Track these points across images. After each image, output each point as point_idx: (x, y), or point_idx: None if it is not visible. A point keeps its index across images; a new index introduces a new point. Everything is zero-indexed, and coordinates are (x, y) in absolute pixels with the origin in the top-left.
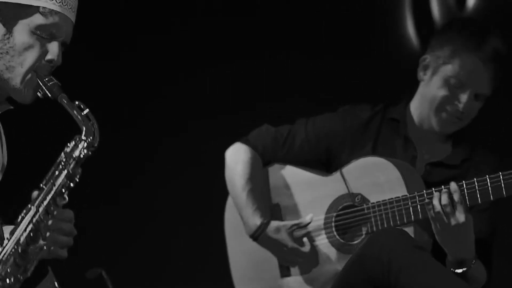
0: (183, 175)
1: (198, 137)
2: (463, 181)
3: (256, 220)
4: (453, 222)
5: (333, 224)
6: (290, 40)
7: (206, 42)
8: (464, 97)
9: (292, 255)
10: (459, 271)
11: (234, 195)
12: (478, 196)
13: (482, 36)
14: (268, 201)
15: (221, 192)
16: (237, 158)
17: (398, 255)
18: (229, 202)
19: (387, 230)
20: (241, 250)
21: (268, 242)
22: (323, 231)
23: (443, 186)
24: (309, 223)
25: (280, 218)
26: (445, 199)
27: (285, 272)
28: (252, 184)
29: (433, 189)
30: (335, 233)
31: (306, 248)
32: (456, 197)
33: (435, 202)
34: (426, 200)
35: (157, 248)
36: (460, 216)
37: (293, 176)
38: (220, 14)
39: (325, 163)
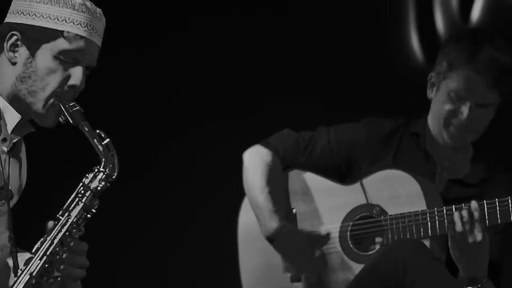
0: (189, 178)
1: (205, 140)
2: (484, 201)
3: (274, 222)
4: (470, 240)
5: (348, 233)
6: (299, 50)
7: (220, 47)
8: (465, 110)
9: (304, 261)
10: None
11: (252, 197)
12: (498, 216)
13: (474, 47)
14: (286, 205)
15: (228, 194)
16: (257, 160)
17: (413, 265)
18: (244, 204)
19: (404, 240)
20: (252, 253)
21: (284, 245)
22: (338, 240)
23: (463, 204)
24: (326, 235)
25: (296, 224)
26: (465, 216)
27: (295, 277)
28: (271, 187)
29: (453, 206)
30: (349, 242)
31: (318, 256)
32: (476, 215)
33: (456, 218)
34: (446, 217)
35: (160, 251)
36: (478, 235)
37: (312, 182)
38: (230, 20)
39: (343, 172)
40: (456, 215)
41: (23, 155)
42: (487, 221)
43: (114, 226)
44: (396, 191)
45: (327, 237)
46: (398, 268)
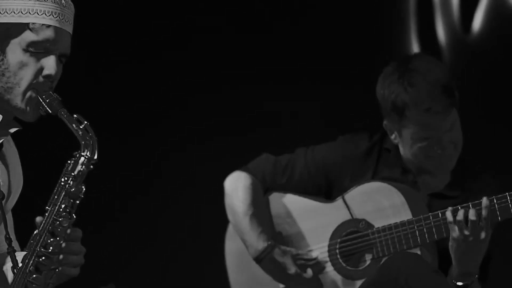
0: (190, 191)
1: (205, 155)
2: (493, 196)
3: (261, 243)
4: (471, 237)
5: (337, 251)
6: (300, 65)
7: (220, 64)
8: (436, 144)
9: (294, 281)
10: (460, 284)
11: (236, 221)
12: None
13: (407, 86)
14: (271, 228)
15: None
16: (236, 184)
17: (415, 280)
18: (229, 233)
19: (404, 254)
20: (244, 279)
21: (272, 265)
22: (328, 259)
23: (456, 207)
24: (314, 259)
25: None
26: (472, 214)
27: None
28: (254, 209)
29: (439, 211)
30: (340, 260)
31: (308, 275)
32: (484, 213)
33: (460, 216)
34: (433, 224)
35: (161, 262)
36: (482, 233)
37: (293, 204)
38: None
39: (325, 191)
40: (460, 213)
41: (13, 154)
42: (499, 217)
43: (112, 239)
44: (380, 203)
45: (315, 258)
46: (400, 283)
